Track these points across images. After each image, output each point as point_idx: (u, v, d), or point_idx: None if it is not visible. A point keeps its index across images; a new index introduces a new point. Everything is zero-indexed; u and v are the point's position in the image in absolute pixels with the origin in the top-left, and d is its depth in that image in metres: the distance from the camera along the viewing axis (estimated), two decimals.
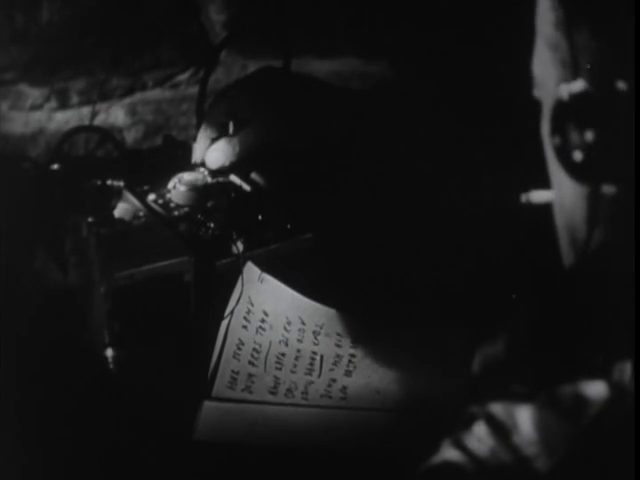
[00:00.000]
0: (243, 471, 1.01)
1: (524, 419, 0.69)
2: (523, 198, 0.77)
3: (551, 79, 0.70)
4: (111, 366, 0.99)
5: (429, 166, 1.14)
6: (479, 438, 0.69)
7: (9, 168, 1.19)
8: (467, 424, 0.70)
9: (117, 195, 1.13)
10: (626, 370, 0.68)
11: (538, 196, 0.76)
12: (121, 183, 1.13)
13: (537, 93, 0.73)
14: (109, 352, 0.99)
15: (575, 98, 0.66)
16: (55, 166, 1.13)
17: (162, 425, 0.99)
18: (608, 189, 0.67)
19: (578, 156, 0.66)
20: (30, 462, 0.89)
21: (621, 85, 0.65)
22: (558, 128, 0.67)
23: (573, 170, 0.67)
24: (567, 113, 0.66)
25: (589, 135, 0.65)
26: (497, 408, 0.69)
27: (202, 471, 0.99)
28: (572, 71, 0.68)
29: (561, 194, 0.72)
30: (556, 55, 0.69)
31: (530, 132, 0.72)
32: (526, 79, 0.73)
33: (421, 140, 1.14)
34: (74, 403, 0.91)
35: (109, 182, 1.13)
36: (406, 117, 1.16)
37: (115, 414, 0.93)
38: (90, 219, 1.04)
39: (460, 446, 0.69)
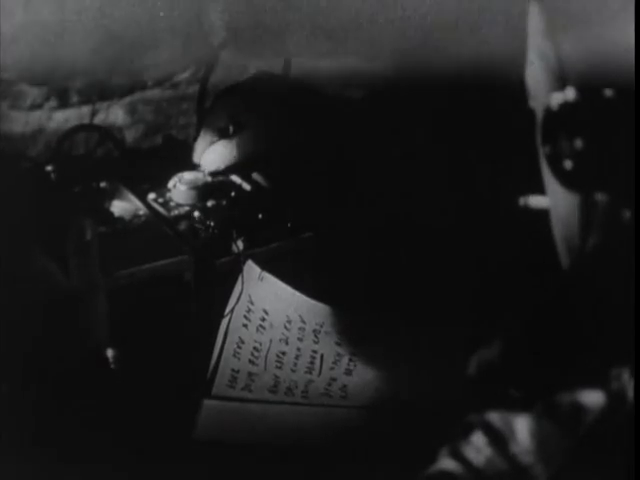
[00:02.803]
0: (243, 470, 1.01)
1: (521, 428, 0.69)
2: (521, 203, 0.77)
3: (542, 88, 0.70)
4: (111, 366, 0.99)
5: (427, 168, 1.14)
6: (477, 448, 0.69)
7: (9, 168, 1.19)
8: (465, 434, 0.70)
9: (116, 194, 1.13)
10: (624, 377, 0.68)
11: (536, 202, 0.76)
12: (120, 182, 1.14)
13: (532, 104, 0.72)
14: (109, 352, 0.99)
15: (563, 107, 0.66)
16: (50, 167, 1.13)
17: (162, 425, 0.99)
18: (600, 196, 0.67)
19: (568, 164, 0.66)
20: (30, 462, 0.89)
21: (608, 92, 0.64)
22: (548, 137, 0.67)
23: (564, 178, 0.67)
24: (556, 122, 0.66)
25: (578, 143, 0.65)
26: (494, 417, 0.69)
27: (202, 471, 0.99)
28: (560, 79, 0.68)
29: (555, 202, 0.72)
30: (544, 64, 0.69)
31: (528, 142, 0.72)
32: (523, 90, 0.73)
33: (418, 143, 1.14)
34: (74, 403, 0.91)
35: (108, 181, 1.14)
36: (402, 122, 1.16)
37: (115, 414, 0.93)
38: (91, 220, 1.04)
39: (458, 456, 0.69)
